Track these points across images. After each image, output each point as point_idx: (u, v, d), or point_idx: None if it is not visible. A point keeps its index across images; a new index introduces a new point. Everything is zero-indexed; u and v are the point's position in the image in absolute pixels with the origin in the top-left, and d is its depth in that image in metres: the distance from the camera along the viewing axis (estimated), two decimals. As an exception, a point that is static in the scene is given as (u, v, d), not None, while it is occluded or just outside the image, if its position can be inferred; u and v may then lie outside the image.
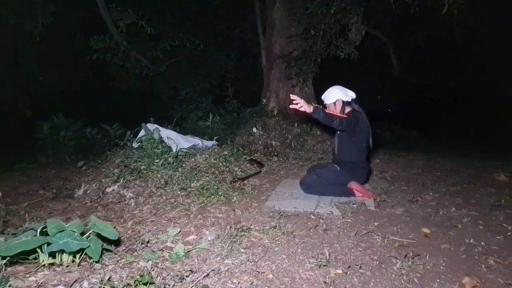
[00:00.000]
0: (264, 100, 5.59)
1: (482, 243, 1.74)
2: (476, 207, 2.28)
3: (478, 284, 1.36)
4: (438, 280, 1.40)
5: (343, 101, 2.58)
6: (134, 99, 8.80)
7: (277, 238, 1.80)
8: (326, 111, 2.48)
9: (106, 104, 8.78)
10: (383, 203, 2.41)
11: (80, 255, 1.40)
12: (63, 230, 1.32)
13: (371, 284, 1.37)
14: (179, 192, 2.61)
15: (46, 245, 1.31)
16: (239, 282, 1.37)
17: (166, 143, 3.39)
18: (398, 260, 1.54)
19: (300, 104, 2.24)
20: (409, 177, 3.26)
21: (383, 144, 5.44)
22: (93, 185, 2.85)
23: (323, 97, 2.67)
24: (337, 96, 2.59)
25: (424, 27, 7.00)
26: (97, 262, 1.40)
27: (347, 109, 2.59)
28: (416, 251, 1.64)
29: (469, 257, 1.61)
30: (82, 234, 1.39)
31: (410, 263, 1.53)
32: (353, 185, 2.55)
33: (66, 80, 7.51)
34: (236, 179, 2.91)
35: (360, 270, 1.47)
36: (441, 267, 1.51)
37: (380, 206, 2.34)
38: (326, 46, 4.73)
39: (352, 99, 2.62)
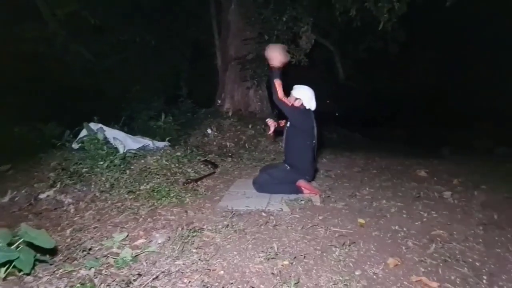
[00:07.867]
0: (219, 101, 5.60)
1: (404, 228, 2.03)
2: (401, 199, 2.64)
3: (399, 263, 1.60)
4: (368, 263, 1.61)
5: (302, 104, 2.71)
6: (75, 96, 7.95)
7: (229, 236, 1.85)
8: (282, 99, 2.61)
9: (41, 100, 7.77)
10: (327, 199, 2.63)
11: (7, 268, 1.25)
12: (-16, 241, 1.17)
13: (314, 271, 1.51)
14: (126, 196, 2.48)
15: (-38, 259, 1.15)
16: (189, 282, 1.39)
17: (112, 144, 3.18)
18: (337, 248, 1.72)
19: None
20: (351, 175, 3.61)
21: (330, 145, 5.89)
22: (22, 191, 2.53)
23: (295, 86, 2.77)
24: (303, 96, 2.70)
25: (365, 39, 7.80)
26: (28, 274, 1.27)
27: (301, 107, 2.74)
28: (352, 240, 1.85)
29: (394, 241, 1.87)
30: (10, 244, 1.24)
31: (347, 250, 1.72)
32: (301, 183, 2.73)
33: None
34: (189, 181, 2.87)
35: (304, 260, 1.60)
36: (372, 251, 1.73)
37: (325, 202, 2.56)
38: (279, 52, 4.95)
39: (310, 109, 2.75)
